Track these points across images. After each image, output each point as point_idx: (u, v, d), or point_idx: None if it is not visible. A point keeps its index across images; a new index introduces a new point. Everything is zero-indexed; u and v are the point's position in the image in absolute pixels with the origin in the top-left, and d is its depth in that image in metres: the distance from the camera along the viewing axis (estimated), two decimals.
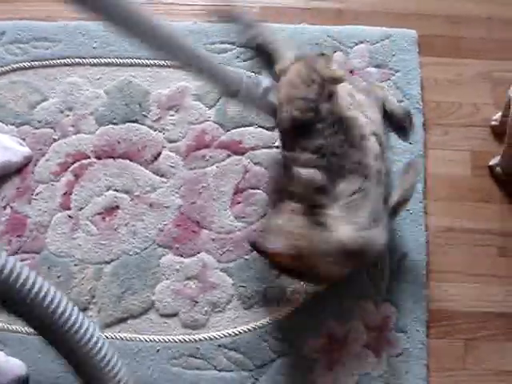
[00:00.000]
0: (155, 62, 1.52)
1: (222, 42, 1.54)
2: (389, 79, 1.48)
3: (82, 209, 1.41)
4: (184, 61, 1.14)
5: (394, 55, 1.50)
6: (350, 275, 1.23)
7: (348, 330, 1.30)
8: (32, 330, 1.24)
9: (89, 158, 1.45)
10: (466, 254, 1.37)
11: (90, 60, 1.54)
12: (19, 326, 1.34)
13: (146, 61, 1.53)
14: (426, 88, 1.48)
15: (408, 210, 1.37)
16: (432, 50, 1.52)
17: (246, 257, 1.36)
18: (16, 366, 1.29)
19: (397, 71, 1.49)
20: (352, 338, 1.30)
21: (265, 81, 1.26)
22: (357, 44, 1.52)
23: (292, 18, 1.56)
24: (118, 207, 1.41)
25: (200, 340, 1.31)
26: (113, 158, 1.43)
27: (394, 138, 1.43)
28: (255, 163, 1.41)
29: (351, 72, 1.49)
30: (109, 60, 1.54)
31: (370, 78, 1.48)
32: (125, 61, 1.52)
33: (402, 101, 1.46)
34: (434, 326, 1.32)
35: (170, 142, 1.44)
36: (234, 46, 1.53)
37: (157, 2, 1.63)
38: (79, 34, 1.57)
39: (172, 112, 1.46)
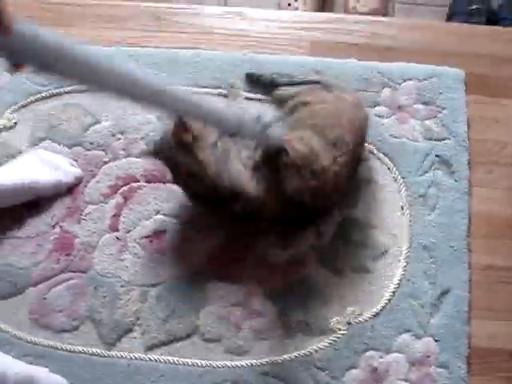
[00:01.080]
0: (207, 90, 1.54)
1: (273, 74, 1.56)
2: (435, 116, 1.50)
3: (129, 231, 1.44)
4: (178, 111, 1.12)
5: (441, 93, 1.52)
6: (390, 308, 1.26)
7: (389, 363, 1.30)
8: (77, 348, 1.28)
9: (138, 181, 1.47)
10: (508, 292, 1.37)
11: None
12: (65, 344, 1.35)
13: (198, 89, 1.55)
14: (471, 126, 1.49)
15: (452, 247, 1.38)
16: (478, 88, 1.54)
17: (290, 285, 1.36)
18: (57, 383, 1.31)
19: (443, 109, 1.50)
20: (393, 371, 1.30)
21: (266, 115, 1.21)
22: (405, 81, 1.54)
23: (341, 53, 1.59)
24: (165, 231, 1.43)
25: (243, 366, 1.32)
26: (162, 182, 1.45)
27: (440, 175, 1.43)
28: None
29: (399, 108, 1.50)
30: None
31: (418, 114, 1.50)
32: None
33: (448, 138, 1.47)
34: (476, 363, 1.32)
35: None
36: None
37: (209, 31, 1.66)
38: (133, 59, 1.60)
39: None
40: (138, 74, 0.94)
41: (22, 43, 0.76)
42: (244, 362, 1.32)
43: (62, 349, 1.36)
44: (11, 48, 0.76)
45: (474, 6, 2.05)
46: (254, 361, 1.32)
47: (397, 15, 2.21)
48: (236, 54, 1.59)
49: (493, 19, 2.09)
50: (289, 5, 2.17)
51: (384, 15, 2.14)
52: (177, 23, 1.68)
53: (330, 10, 2.22)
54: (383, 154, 1.45)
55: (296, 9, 2.14)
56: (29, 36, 0.77)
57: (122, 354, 1.34)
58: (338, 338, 1.33)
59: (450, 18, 2.09)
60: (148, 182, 1.47)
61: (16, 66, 0.80)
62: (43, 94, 1.58)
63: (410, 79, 1.53)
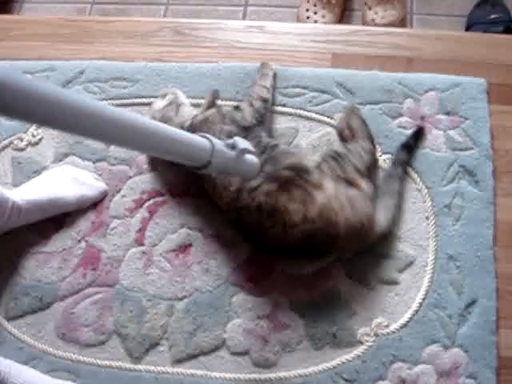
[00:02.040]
0: (229, 103, 1.55)
1: (295, 86, 1.57)
2: (459, 127, 1.49)
3: (155, 245, 1.44)
4: (142, 148, 1.06)
5: (463, 103, 1.52)
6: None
7: (417, 375, 1.30)
8: (104, 363, 1.29)
9: (163, 195, 1.48)
10: None
11: None
12: (92, 358, 1.36)
13: (221, 102, 1.56)
14: (495, 136, 1.49)
15: (478, 257, 1.37)
16: (500, 98, 1.54)
17: (317, 297, 1.36)
18: None
19: (466, 119, 1.50)
20: (421, 382, 1.30)
21: (241, 142, 1.15)
22: (427, 91, 1.54)
23: (362, 64, 1.59)
24: (191, 245, 1.43)
25: (270, 379, 1.32)
26: (187, 196, 1.46)
27: (464, 185, 1.43)
28: None
29: (422, 119, 1.50)
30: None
31: (441, 124, 1.50)
32: (199, 101, 1.56)
33: (471, 148, 1.47)
34: (505, 373, 1.31)
35: None
36: (307, 91, 1.56)
37: (229, 46, 1.67)
38: (155, 74, 1.62)
39: None
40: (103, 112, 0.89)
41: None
42: (272, 374, 1.32)
43: (89, 363, 1.36)
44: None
45: (493, 16, 2.04)
46: (282, 374, 1.32)
47: (415, 26, 2.21)
48: (258, 66, 1.58)
49: None
50: (308, 18, 2.17)
51: (402, 27, 2.14)
52: (198, 38, 1.70)
53: (349, 23, 2.23)
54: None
55: (315, 22, 2.14)
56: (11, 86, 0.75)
57: (149, 368, 1.35)
58: (366, 349, 1.32)
59: (468, 27, 2.09)
60: (173, 195, 1.47)
61: None
62: None
63: (432, 90, 1.53)
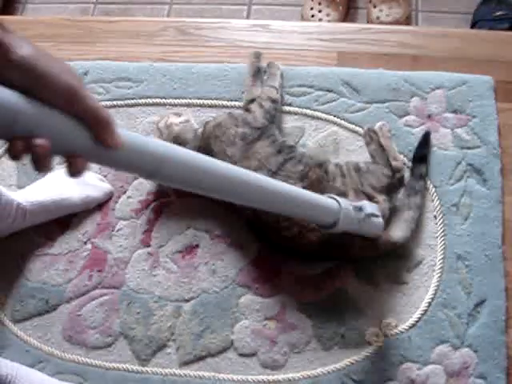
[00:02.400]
0: (235, 103, 1.54)
1: (300, 85, 1.56)
2: (466, 125, 1.48)
3: (162, 246, 1.43)
4: (274, 207, 1.05)
5: (470, 101, 1.51)
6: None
7: (427, 375, 1.29)
8: (111, 365, 1.28)
9: (169, 196, 1.47)
10: None
11: (171, 100, 1.57)
12: (99, 361, 1.35)
13: (227, 102, 1.55)
14: (503, 134, 1.48)
15: (486, 256, 1.36)
16: (508, 95, 1.53)
17: (325, 297, 1.35)
18: None
19: (474, 117, 1.49)
20: (431, 382, 1.29)
21: (368, 206, 1.17)
22: (434, 89, 1.53)
23: (368, 63, 1.59)
24: (197, 246, 1.42)
25: (279, 381, 1.31)
26: (193, 196, 1.45)
27: (472, 183, 1.42)
28: None
29: (429, 117, 1.49)
30: (189, 101, 1.57)
31: (448, 123, 1.49)
32: (205, 102, 1.55)
33: (479, 146, 1.46)
34: None
35: None
36: (313, 90, 1.55)
37: (234, 45, 1.66)
38: (160, 74, 1.61)
39: None
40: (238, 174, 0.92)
41: (126, 154, 0.75)
42: (280, 376, 1.31)
43: (96, 365, 1.35)
44: (115, 159, 0.75)
45: (499, 13, 2.03)
46: (290, 375, 1.31)
47: (420, 24, 2.20)
48: (264, 66, 1.57)
49: None
50: (312, 16, 2.16)
51: (407, 24, 2.13)
52: (203, 37, 1.69)
53: (353, 21, 2.22)
54: None
55: (320, 20, 2.14)
56: (132, 145, 0.75)
57: (156, 370, 1.34)
58: (375, 350, 1.31)
59: (474, 25, 2.08)
60: (179, 196, 1.46)
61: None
62: None
63: (439, 88, 1.52)
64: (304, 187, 1.26)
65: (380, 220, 1.23)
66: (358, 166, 1.37)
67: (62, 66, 0.71)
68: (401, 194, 1.40)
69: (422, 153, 1.44)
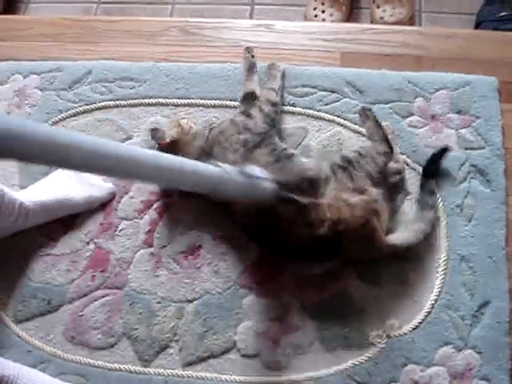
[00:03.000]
0: (237, 103, 1.54)
1: (304, 86, 1.55)
2: (470, 125, 1.48)
3: (164, 247, 1.43)
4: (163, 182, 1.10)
5: (474, 102, 1.50)
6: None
7: (430, 377, 1.29)
8: (114, 366, 1.28)
9: (172, 197, 1.47)
10: None
11: (174, 100, 1.56)
12: (101, 362, 1.35)
13: (229, 102, 1.55)
14: (507, 135, 1.47)
15: (490, 257, 1.36)
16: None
17: (328, 299, 1.35)
18: None
19: (478, 118, 1.49)
20: None
21: (255, 169, 1.20)
22: (437, 90, 1.52)
23: (372, 63, 1.58)
24: (200, 246, 1.42)
25: (281, 382, 1.31)
26: (196, 197, 1.44)
27: (476, 184, 1.42)
28: None
29: (433, 118, 1.49)
30: (192, 101, 1.56)
31: (452, 123, 1.48)
32: (208, 102, 1.55)
33: (483, 147, 1.45)
34: None
35: None
36: (316, 90, 1.54)
37: (237, 45, 1.66)
38: (163, 74, 1.61)
39: None
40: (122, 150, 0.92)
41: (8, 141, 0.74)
42: (283, 377, 1.31)
43: (98, 366, 1.35)
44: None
45: (503, 13, 2.02)
46: (293, 376, 1.31)
47: (424, 24, 2.19)
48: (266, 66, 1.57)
49: None
50: (315, 16, 2.16)
51: (411, 25, 2.13)
52: (206, 37, 1.69)
53: (357, 21, 2.22)
54: (418, 164, 1.44)
55: (323, 20, 2.13)
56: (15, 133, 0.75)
57: (158, 370, 1.34)
58: (378, 351, 1.31)
59: (477, 25, 2.07)
60: (181, 196, 1.46)
61: None
62: (75, 111, 1.58)
63: (443, 88, 1.52)
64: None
65: (267, 183, 1.22)
66: (347, 158, 1.35)
67: None
68: (414, 209, 1.39)
69: (433, 169, 1.42)
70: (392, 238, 1.32)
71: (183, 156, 1.29)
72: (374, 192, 1.30)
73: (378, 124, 1.39)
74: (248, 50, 1.54)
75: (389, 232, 1.33)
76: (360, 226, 1.27)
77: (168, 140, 1.37)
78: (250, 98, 1.46)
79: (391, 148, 1.37)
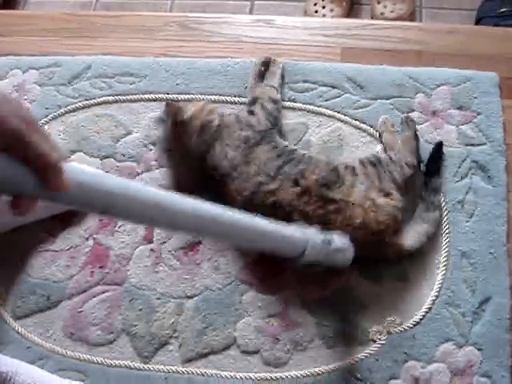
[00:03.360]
0: (239, 99, 1.53)
1: (304, 81, 1.55)
2: (471, 121, 1.47)
3: (164, 242, 1.42)
4: (243, 242, 1.04)
5: (475, 97, 1.50)
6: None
7: (431, 373, 1.28)
8: (113, 362, 1.27)
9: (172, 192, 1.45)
10: None
11: (173, 96, 1.55)
12: (101, 358, 1.34)
13: (229, 97, 1.54)
14: (508, 131, 1.47)
15: (491, 254, 1.35)
16: None
17: (329, 295, 1.34)
18: None
19: (479, 114, 1.48)
20: (435, 381, 1.28)
21: (337, 239, 1.14)
22: (438, 86, 1.52)
23: (372, 59, 1.57)
24: (200, 242, 1.41)
25: (282, 378, 1.30)
26: (196, 193, 1.43)
27: (477, 181, 1.41)
28: None
29: (434, 114, 1.48)
30: (192, 96, 1.56)
31: (453, 119, 1.48)
32: (208, 97, 1.54)
33: (484, 143, 1.45)
34: None
35: None
36: (317, 86, 1.54)
37: (237, 40, 1.65)
38: (163, 69, 1.60)
39: None
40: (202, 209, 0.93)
41: (75, 193, 0.73)
42: (283, 374, 1.30)
43: (97, 362, 1.34)
44: (63, 198, 0.73)
45: (504, 9, 2.02)
46: (294, 373, 1.30)
47: (424, 20, 2.19)
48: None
49: None
50: (315, 12, 2.15)
51: (412, 20, 2.12)
52: (206, 32, 1.68)
53: (357, 17, 2.21)
54: (419, 160, 1.43)
55: (323, 16, 2.12)
56: (82, 184, 0.74)
57: (158, 367, 1.33)
58: (378, 348, 1.30)
59: (478, 21, 2.07)
60: (181, 192, 1.44)
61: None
62: (74, 106, 1.58)
63: (444, 84, 1.51)
64: (299, 193, 1.28)
65: (349, 254, 1.19)
66: (378, 158, 1.35)
67: (11, 108, 0.69)
68: (418, 209, 1.38)
69: (435, 166, 1.42)
70: (399, 240, 1.32)
71: (182, 145, 1.29)
72: (399, 197, 1.29)
73: (415, 136, 1.39)
74: (265, 62, 1.53)
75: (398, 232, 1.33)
76: (378, 231, 1.27)
77: (186, 116, 1.34)
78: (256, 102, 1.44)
79: (419, 163, 1.37)
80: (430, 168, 1.41)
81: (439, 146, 1.44)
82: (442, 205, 1.40)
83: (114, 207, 0.79)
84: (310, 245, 1.09)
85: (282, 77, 1.55)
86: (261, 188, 1.30)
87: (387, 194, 1.30)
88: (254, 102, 1.45)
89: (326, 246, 1.12)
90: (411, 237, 1.34)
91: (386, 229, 1.29)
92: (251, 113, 1.40)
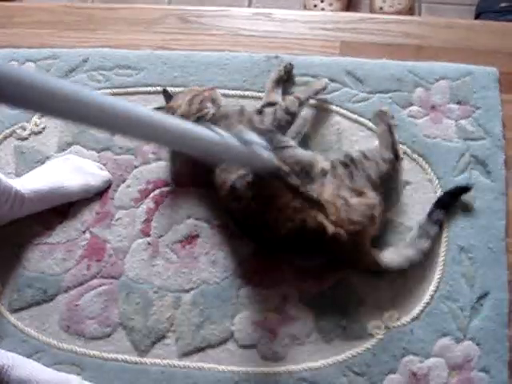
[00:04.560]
0: (237, 92, 1.53)
1: (303, 75, 1.54)
2: (470, 116, 1.47)
3: (161, 236, 1.42)
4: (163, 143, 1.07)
5: (474, 92, 1.49)
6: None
7: (429, 368, 1.28)
8: (110, 356, 1.27)
9: (169, 185, 1.45)
10: None
11: (171, 89, 1.54)
12: (97, 351, 1.34)
13: (228, 91, 1.53)
14: (507, 126, 1.46)
15: (490, 248, 1.35)
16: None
17: (327, 289, 1.34)
18: None
19: (478, 108, 1.48)
20: (433, 375, 1.28)
21: (247, 133, 1.18)
22: (437, 80, 1.51)
23: (372, 53, 1.57)
24: (197, 236, 1.41)
25: (279, 373, 1.30)
26: (193, 186, 1.43)
27: (476, 175, 1.41)
28: None
29: (433, 108, 1.47)
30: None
31: (452, 114, 1.47)
32: (206, 87, 1.52)
33: (483, 138, 1.44)
34: None
35: None
36: (316, 80, 1.53)
37: (236, 33, 1.64)
38: (161, 62, 1.59)
39: None
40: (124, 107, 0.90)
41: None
42: (280, 368, 1.30)
43: (94, 356, 1.34)
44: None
45: (503, 4, 2.01)
46: (291, 367, 1.30)
47: (423, 15, 2.18)
48: (265, 55, 1.56)
49: None
50: (314, 6, 2.14)
51: (411, 15, 2.11)
52: (204, 25, 1.67)
53: (356, 11, 2.20)
54: (418, 154, 1.43)
55: (322, 10, 2.12)
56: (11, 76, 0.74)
57: (155, 361, 1.33)
58: (376, 342, 1.30)
59: (477, 16, 2.06)
60: (179, 185, 1.44)
61: None
62: None
63: (443, 78, 1.51)
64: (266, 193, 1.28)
65: (265, 151, 1.20)
66: (351, 157, 1.33)
67: None
68: (412, 232, 1.36)
69: (448, 202, 1.39)
70: (380, 254, 1.31)
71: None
72: (373, 197, 1.28)
73: (390, 131, 1.38)
74: (287, 68, 1.52)
75: (377, 242, 1.32)
76: (355, 232, 1.26)
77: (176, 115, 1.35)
78: (271, 107, 1.42)
79: (397, 157, 1.36)
80: (442, 199, 1.38)
81: (463, 190, 1.39)
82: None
83: (48, 106, 0.80)
84: (225, 141, 1.10)
85: (291, 75, 1.55)
86: (240, 181, 1.29)
87: (360, 193, 1.28)
88: (268, 105, 1.43)
89: (247, 144, 1.14)
90: (392, 256, 1.32)
91: (364, 230, 1.27)
92: (260, 112, 1.39)
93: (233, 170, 1.29)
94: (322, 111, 1.50)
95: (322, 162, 1.32)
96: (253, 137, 1.16)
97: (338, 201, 1.26)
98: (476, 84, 1.50)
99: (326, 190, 1.27)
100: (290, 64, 1.52)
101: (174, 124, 1.01)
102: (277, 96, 1.46)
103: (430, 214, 1.35)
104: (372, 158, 1.32)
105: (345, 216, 1.24)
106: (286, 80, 1.51)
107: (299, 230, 1.25)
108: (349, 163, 1.31)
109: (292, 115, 1.39)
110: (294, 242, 1.28)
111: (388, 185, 1.37)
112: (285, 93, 1.51)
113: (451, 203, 1.37)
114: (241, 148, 1.13)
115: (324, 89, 1.47)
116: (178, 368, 1.31)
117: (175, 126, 1.00)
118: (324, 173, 1.30)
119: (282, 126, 1.38)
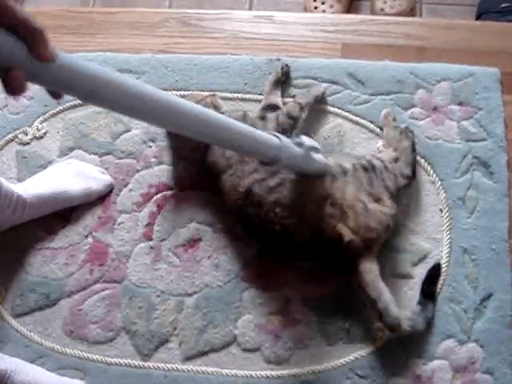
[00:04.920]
0: (239, 95, 1.52)
1: (305, 77, 1.54)
2: (472, 117, 1.46)
3: (164, 240, 1.42)
4: (214, 139, 1.06)
5: (476, 93, 1.49)
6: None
7: (433, 370, 1.27)
8: (113, 360, 1.27)
9: (171, 189, 1.45)
10: None
11: (173, 92, 1.54)
12: (100, 356, 1.34)
13: (229, 94, 1.53)
14: (509, 127, 1.46)
15: (493, 250, 1.35)
16: None
17: (330, 292, 1.34)
18: None
19: (480, 109, 1.47)
20: (437, 378, 1.27)
21: (307, 140, 1.16)
22: (439, 81, 1.51)
23: (373, 54, 1.56)
24: (200, 239, 1.41)
25: (283, 376, 1.30)
26: (196, 190, 1.43)
27: (478, 176, 1.40)
28: None
29: (435, 109, 1.47)
30: (191, 93, 1.54)
31: (454, 115, 1.47)
32: (207, 94, 1.52)
33: (485, 139, 1.44)
34: None
35: None
36: (317, 82, 1.53)
37: (237, 36, 1.64)
38: (162, 66, 1.59)
39: None
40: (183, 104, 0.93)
41: (63, 72, 0.74)
42: (284, 371, 1.30)
43: (97, 360, 1.34)
44: (52, 76, 0.74)
45: (505, 4, 2.01)
46: (295, 370, 1.30)
47: (424, 16, 2.18)
48: (266, 58, 1.56)
49: None
50: (315, 8, 2.14)
51: (412, 16, 2.11)
52: (205, 29, 1.67)
53: (357, 13, 2.20)
54: (420, 156, 1.42)
55: (323, 12, 2.12)
56: (70, 64, 0.75)
57: (158, 365, 1.33)
58: (380, 345, 1.30)
59: (479, 17, 2.05)
60: (181, 189, 1.44)
61: (54, 94, 0.79)
62: (73, 103, 1.56)
63: (445, 80, 1.50)
64: (292, 198, 1.27)
65: (321, 156, 1.22)
66: (372, 163, 1.32)
67: None
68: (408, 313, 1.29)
69: (430, 290, 1.32)
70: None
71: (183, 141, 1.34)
72: (390, 204, 1.28)
73: (413, 148, 1.38)
74: (285, 70, 1.51)
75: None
76: (369, 240, 1.25)
77: None
78: (270, 109, 1.43)
79: (415, 175, 1.36)
80: (425, 290, 1.31)
81: (437, 268, 1.33)
82: (444, 201, 1.39)
83: (97, 93, 0.80)
84: (284, 146, 1.10)
85: (289, 77, 1.54)
86: (258, 185, 1.28)
87: (378, 200, 1.28)
88: (269, 108, 1.44)
89: (299, 146, 1.15)
90: (397, 314, 1.25)
91: (377, 239, 1.27)
92: (262, 118, 1.39)
93: (244, 174, 1.28)
94: (324, 114, 1.48)
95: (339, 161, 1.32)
96: (306, 140, 1.16)
97: (357, 204, 1.25)
98: (478, 85, 1.50)
99: (348, 190, 1.26)
100: (287, 65, 1.51)
101: (239, 126, 1.03)
102: (276, 98, 1.46)
103: (420, 309, 1.29)
104: (392, 171, 1.31)
105: (363, 222, 1.24)
106: (283, 81, 1.50)
107: (317, 236, 1.25)
108: (369, 169, 1.30)
109: (294, 119, 1.39)
110: (307, 248, 1.27)
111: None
112: (284, 94, 1.50)
113: (435, 291, 1.32)
114: (297, 151, 1.14)
115: (323, 95, 1.47)
116: (181, 372, 1.31)
117: (240, 129, 1.03)
118: (344, 171, 1.28)
119: (285, 130, 1.37)
